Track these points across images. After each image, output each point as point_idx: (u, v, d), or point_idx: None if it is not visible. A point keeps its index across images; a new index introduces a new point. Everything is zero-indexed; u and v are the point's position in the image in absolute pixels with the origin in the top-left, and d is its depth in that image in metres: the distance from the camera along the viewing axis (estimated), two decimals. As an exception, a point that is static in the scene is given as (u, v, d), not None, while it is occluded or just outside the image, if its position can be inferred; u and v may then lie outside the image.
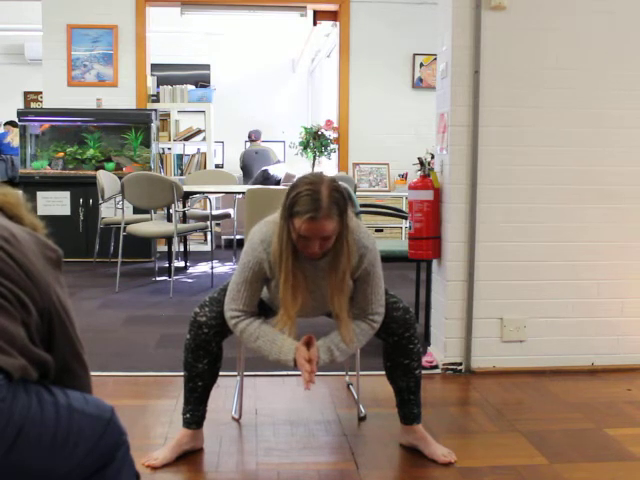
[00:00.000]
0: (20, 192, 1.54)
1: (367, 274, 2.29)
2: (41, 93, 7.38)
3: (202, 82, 8.44)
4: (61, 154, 6.83)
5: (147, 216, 5.96)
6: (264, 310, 2.41)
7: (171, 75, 8.41)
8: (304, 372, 2.17)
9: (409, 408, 2.46)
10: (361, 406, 2.79)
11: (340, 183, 2.21)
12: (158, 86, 7.37)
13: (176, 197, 5.15)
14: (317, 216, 2.08)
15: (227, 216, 6.79)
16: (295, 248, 2.20)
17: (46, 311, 1.36)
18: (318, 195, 2.10)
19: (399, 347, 2.40)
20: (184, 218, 6.19)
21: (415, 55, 7.28)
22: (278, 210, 2.21)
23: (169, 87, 7.30)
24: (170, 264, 5.60)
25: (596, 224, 3.37)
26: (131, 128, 6.85)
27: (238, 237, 6.76)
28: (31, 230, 1.45)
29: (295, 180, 2.20)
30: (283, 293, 2.22)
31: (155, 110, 7.00)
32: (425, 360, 3.38)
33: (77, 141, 6.91)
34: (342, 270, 2.21)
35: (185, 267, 6.29)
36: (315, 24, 7.46)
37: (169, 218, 5.79)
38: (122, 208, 5.52)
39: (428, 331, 3.71)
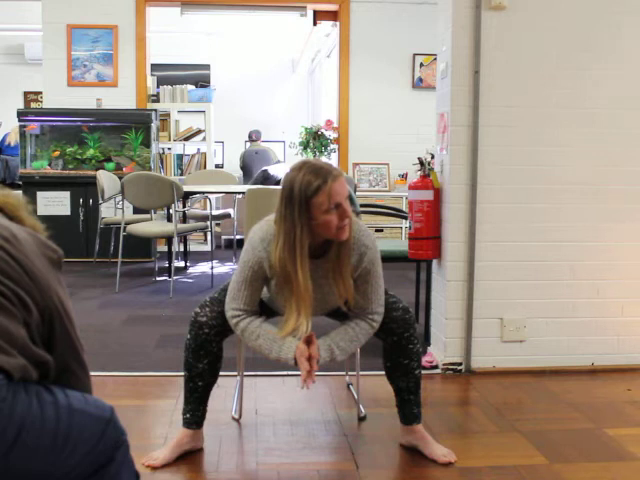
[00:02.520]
0: (21, 194, 1.54)
1: (367, 273, 2.29)
2: (41, 93, 7.38)
3: (202, 82, 8.43)
4: (56, 153, 6.82)
5: (147, 216, 5.96)
6: (264, 310, 2.41)
7: (171, 75, 8.40)
8: (303, 371, 2.18)
9: (409, 408, 2.46)
10: (361, 406, 2.79)
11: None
12: (158, 86, 7.37)
13: (176, 197, 5.15)
14: (335, 174, 2.13)
15: (227, 216, 6.79)
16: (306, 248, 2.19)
17: (47, 311, 1.36)
18: (314, 164, 2.16)
19: (399, 347, 2.40)
20: (184, 218, 6.19)
21: (415, 55, 7.28)
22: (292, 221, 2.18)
23: (169, 87, 7.30)
24: (170, 264, 5.60)
25: (596, 224, 3.37)
26: (131, 128, 6.85)
27: (238, 237, 6.77)
28: (32, 231, 1.45)
29: (283, 182, 2.20)
30: (301, 296, 2.20)
31: (155, 110, 7.00)
32: (425, 360, 3.38)
33: (77, 141, 6.91)
34: (347, 256, 2.23)
35: (185, 267, 6.29)
36: (315, 24, 7.46)
37: (169, 218, 5.79)
38: (122, 208, 5.53)
39: (428, 331, 3.71)
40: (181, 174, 7.31)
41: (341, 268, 2.23)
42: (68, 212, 6.57)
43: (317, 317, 2.52)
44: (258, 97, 10.19)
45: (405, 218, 4.44)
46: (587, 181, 3.35)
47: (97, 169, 6.39)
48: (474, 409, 2.92)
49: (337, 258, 2.23)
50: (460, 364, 3.37)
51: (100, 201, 6.00)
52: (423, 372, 2.56)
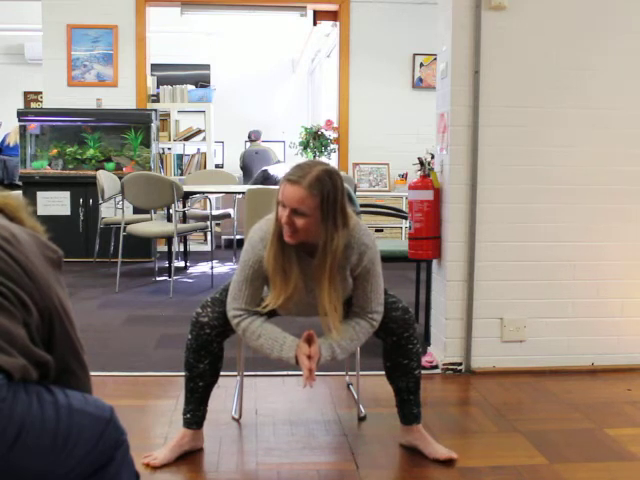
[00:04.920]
0: (21, 195, 1.54)
1: (367, 272, 2.29)
2: (41, 93, 7.38)
3: (202, 82, 8.43)
4: (55, 151, 6.82)
5: (147, 216, 5.96)
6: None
7: (171, 75, 8.40)
8: (304, 369, 2.18)
9: (409, 408, 2.46)
10: (361, 406, 2.79)
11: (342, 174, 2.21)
12: (158, 86, 7.37)
13: (176, 197, 5.15)
14: (298, 181, 2.11)
15: (227, 216, 6.79)
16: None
17: (47, 311, 1.36)
18: (309, 169, 2.14)
19: (398, 347, 2.40)
20: (184, 218, 6.19)
21: (415, 55, 7.28)
22: None
23: (169, 87, 7.30)
24: (170, 264, 5.60)
25: (596, 224, 3.37)
26: (131, 128, 6.85)
27: (238, 237, 6.77)
28: (31, 231, 1.45)
29: None
30: (271, 269, 2.21)
31: (155, 110, 7.00)
32: (425, 360, 3.38)
33: (77, 141, 6.91)
34: (328, 268, 2.19)
35: (185, 267, 6.29)
36: (315, 24, 7.46)
37: (169, 218, 5.79)
38: (122, 208, 5.53)
39: (428, 331, 3.71)
40: (181, 174, 7.31)
41: (321, 275, 2.20)
42: (68, 212, 6.56)
43: (317, 317, 2.52)
44: (258, 97, 10.19)
45: (405, 218, 4.44)
46: (587, 181, 3.35)
47: (97, 169, 6.39)
48: (474, 409, 2.92)
49: (319, 264, 2.20)
50: (460, 364, 3.37)
51: (100, 201, 6.00)
52: (423, 372, 2.56)
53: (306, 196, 2.10)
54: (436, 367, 3.39)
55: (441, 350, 3.40)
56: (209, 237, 7.09)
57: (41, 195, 6.50)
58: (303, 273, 2.26)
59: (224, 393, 2.92)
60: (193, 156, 7.49)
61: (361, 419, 2.74)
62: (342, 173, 2.26)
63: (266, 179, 7.31)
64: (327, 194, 2.13)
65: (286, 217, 2.13)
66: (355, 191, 5.22)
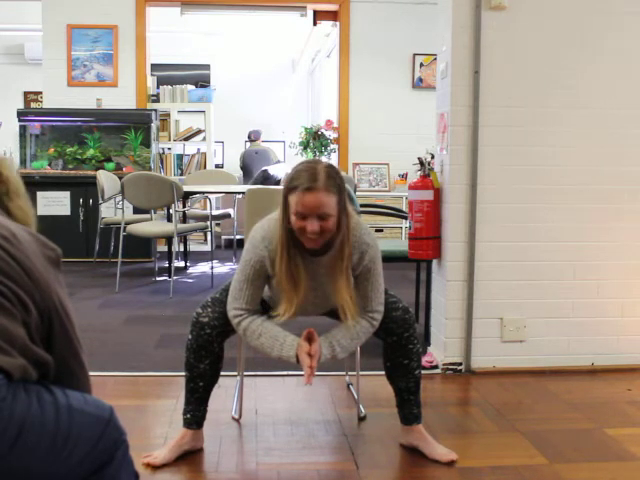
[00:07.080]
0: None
1: (368, 271, 2.29)
2: (41, 93, 7.38)
3: (202, 82, 8.43)
4: (52, 150, 6.81)
5: (147, 216, 5.96)
6: (266, 309, 2.41)
7: (171, 75, 8.40)
8: (305, 367, 2.18)
9: (409, 408, 2.46)
10: (361, 406, 2.79)
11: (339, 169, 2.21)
12: (158, 86, 7.37)
13: (176, 197, 5.15)
14: (314, 186, 2.10)
15: (227, 216, 6.79)
16: (293, 237, 2.19)
17: (46, 311, 1.36)
18: (315, 170, 2.14)
19: (399, 347, 2.40)
20: (184, 218, 6.19)
21: (415, 55, 7.28)
22: (279, 208, 2.21)
23: (169, 87, 7.30)
24: (170, 264, 5.60)
25: (596, 224, 3.37)
26: (131, 128, 6.85)
27: (238, 237, 6.77)
28: (31, 230, 1.46)
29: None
30: (283, 281, 2.21)
31: (155, 110, 7.00)
32: (425, 360, 3.38)
33: (77, 141, 6.91)
34: (346, 261, 2.21)
35: (185, 267, 6.29)
36: (315, 24, 7.46)
37: (169, 218, 5.79)
38: (122, 208, 5.53)
39: (428, 331, 3.70)
40: (181, 174, 7.31)
41: (338, 267, 2.22)
42: (68, 212, 6.56)
43: (318, 317, 2.53)
44: (258, 97, 10.18)
45: (405, 218, 4.44)
46: (587, 181, 3.35)
47: (97, 169, 6.39)
48: (474, 409, 2.92)
49: (336, 257, 2.22)
50: (460, 364, 3.37)
51: (100, 201, 6.00)
52: (423, 372, 2.56)
53: (326, 197, 2.12)
54: (436, 367, 3.39)
55: (441, 350, 3.40)
56: (209, 237, 7.09)
57: (41, 195, 6.50)
58: (307, 273, 2.26)
59: (224, 393, 2.92)
60: (193, 156, 7.49)
61: (361, 419, 2.74)
62: (342, 173, 2.25)
63: (266, 179, 7.31)
64: (339, 185, 2.16)
65: (316, 226, 2.12)
66: (355, 191, 5.22)
